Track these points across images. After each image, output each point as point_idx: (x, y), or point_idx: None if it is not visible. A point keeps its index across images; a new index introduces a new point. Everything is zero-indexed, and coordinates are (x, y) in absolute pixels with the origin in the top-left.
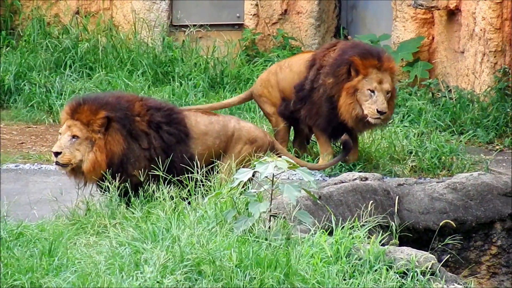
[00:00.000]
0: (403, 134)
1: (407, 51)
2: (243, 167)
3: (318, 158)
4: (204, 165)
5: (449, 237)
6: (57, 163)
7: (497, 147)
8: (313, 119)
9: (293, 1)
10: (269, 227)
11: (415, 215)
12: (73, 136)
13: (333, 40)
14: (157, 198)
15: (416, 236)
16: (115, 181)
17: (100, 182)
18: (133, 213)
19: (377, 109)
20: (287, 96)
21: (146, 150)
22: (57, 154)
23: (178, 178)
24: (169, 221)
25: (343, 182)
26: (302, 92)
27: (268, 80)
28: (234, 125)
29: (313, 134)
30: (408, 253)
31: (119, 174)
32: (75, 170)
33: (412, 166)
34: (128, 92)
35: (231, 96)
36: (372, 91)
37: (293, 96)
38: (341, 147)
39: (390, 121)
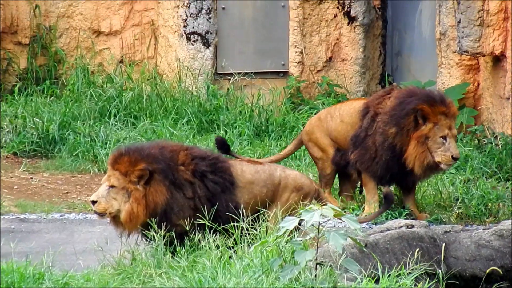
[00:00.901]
0: (449, 181)
1: (453, 98)
2: (289, 215)
3: (364, 206)
4: (250, 213)
5: (496, 284)
6: (95, 212)
7: None
8: (365, 164)
9: (338, 48)
10: (315, 276)
11: (462, 263)
12: (111, 186)
13: (386, 88)
14: (202, 247)
15: (463, 284)
16: (160, 230)
17: (145, 231)
18: (179, 262)
19: (452, 156)
20: (342, 146)
21: (190, 199)
22: (93, 202)
23: (223, 227)
24: (215, 270)
25: (389, 230)
26: (356, 140)
27: (318, 125)
28: (280, 174)
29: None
30: None
31: (163, 223)
32: (117, 220)
33: (458, 213)
34: (173, 141)
35: (276, 144)
36: (444, 138)
37: (350, 147)
38: (383, 199)
39: None
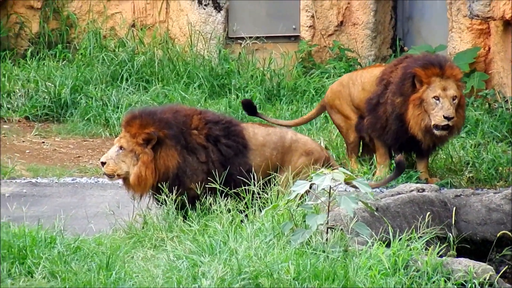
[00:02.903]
0: (460, 145)
1: (464, 62)
2: (300, 179)
3: (375, 170)
4: (261, 177)
5: (507, 248)
6: (104, 173)
7: None
8: (376, 132)
9: (349, 12)
10: (327, 239)
11: (473, 226)
12: (120, 147)
13: (400, 56)
14: (214, 211)
15: (473, 248)
16: (172, 194)
17: (157, 195)
18: (190, 226)
19: (443, 115)
20: (364, 114)
21: (204, 163)
22: (103, 164)
23: (235, 190)
24: (227, 234)
25: (400, 194)
26: (369, 106)
27: (339, 91)
28: (291, 137)
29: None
30: (465, 264)
31: (175, 187)
32: (127, 182)
33: (469, 177)
34: (186, 105)
35: (288, 108)
36: (437, 98)
37: (365, 111)
38: (395, 166)
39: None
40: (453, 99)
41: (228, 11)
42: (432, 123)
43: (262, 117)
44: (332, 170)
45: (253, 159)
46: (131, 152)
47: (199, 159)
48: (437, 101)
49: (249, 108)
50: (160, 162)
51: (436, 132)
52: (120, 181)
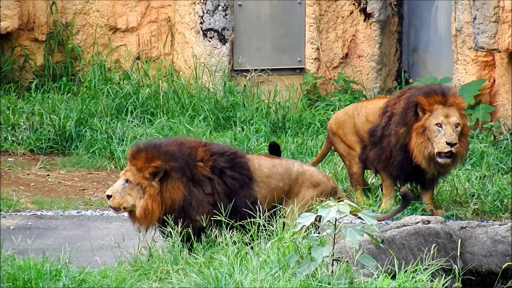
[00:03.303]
0: (465, 177)
1: (469, 94)
2: (306, 211)
3: (381, 202)
4: (267, 209)
5: None
6: (110, 206)
7: None
8: (382, 164)
9: (354, 44)
10: (332, 272)
11: (478, 258)
12: (126, 181)
13: (404, 88)
14: (219, 243)
15: (479, 279)
16: (177, 226)
17: (162, 227)
18: (196, 259)
19: (446, 141)
20: (367, 144)
21: (209, 195)
22: (109, 197)
23: (240, 223)
24: (232, 266)
25: (405, 226)
26: (373, 138)
27: (344, 121)
28: (297, 169)
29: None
30: None
31: (181, 219)
32: (133, 215)
33: (474, 209)
34: (191, 137)
35: (293, 141)
36: (440, 126)
37: (368, 142)
38: (401, 198)
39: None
40: (456, 127)
41: (233, 43)
42: (436, 150)
43: None
44: (338, 201)
45: (259, 191)
46: (137, 186)
47: (205, 191)
48: (440, 128)
49: (275, 150)
50: (167, 195)
51: (440, 160)
52: (126, 214)
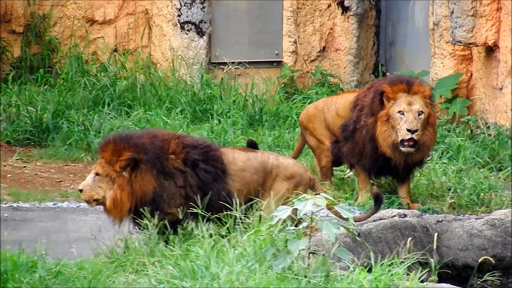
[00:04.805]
0: (441, 171)
1: (446, 88)
2: (283, 204)
3: (357, 196)
4: (243, 202)
5: (488, 273)
6: (84, 200)
7: None
8: (355, 158)
9: (332, 38)
10: (308, 264)
11: (454, 252)
12: (96, 174)
13: (374, 80)
14: (196, 236)
15: (455, 273)
16: (153, 218)
17: (137, 219)
18: (172, 251)
19: (406, 128)
20: (339, 139)
21: (181, 187)
22: (81, 191)
23: (216, 215)
24: (208, 259)
25: (382, 219)
26: (345, 133)
27: (314, 116)
28: (272, 162)
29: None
30: None
31: (155, 212)
32: (105, 208)
33: (451, 203)
34: (166, 130)
35: (270, 134)
36: (402, 113)
37: (340, 138)
38: (373, 200)
39: (429, 158)
40: (419, 114)
41: (211, 36)
42: (399, 138)
43: None
44: (315, 194)
45: (233, 184)
46: (106, 177)
47: (177, 184)
48: (402, 116)
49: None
50: (136, 187)
51: (403, 148)
52: (102, 207)
